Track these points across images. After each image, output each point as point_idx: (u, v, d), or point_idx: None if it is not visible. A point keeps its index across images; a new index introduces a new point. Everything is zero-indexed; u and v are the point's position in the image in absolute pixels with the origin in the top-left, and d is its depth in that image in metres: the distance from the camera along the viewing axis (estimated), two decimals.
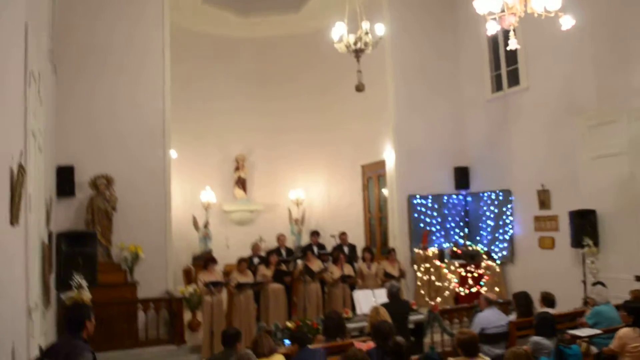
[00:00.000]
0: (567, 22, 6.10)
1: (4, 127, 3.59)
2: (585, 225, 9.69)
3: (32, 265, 5.36)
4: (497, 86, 12.31)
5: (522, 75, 11.50)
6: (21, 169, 4.39)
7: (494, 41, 12.28)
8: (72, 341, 4.10)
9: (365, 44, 7.83)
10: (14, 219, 4.16)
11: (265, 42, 15.04)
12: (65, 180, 10.14)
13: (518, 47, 6.18)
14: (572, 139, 10.31)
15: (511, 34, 6.05)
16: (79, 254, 6.96)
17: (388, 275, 10.25)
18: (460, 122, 13.10)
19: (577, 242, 9.71)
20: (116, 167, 10.49)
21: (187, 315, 10.39)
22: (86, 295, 6.37)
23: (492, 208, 12.23)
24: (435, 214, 12.62)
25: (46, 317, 6.94)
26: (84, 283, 6.45)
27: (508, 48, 6.20)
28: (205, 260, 10.10)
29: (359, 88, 8.25)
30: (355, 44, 7.85)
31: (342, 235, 11.78)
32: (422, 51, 12.93)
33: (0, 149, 3.43)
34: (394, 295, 7.87)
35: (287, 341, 6.79)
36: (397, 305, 7.67)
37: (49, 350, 4.16)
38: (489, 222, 12.32)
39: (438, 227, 12.63)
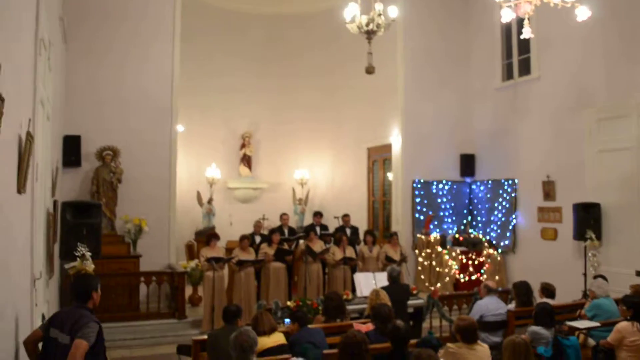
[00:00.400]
0: (583, 13, 6.03)
1: (14, 94, 3.57)
2: (588, 218, 9.68)
3: (37, 234, 5.39)
4: (508, 75, 12.21)
5: (534, 65, 11.40)
6: (29, 136, 4.39)
7: (506, 29, 12.16)
8: (78, 310, 4.15)
9: (378, 25, 7.72)
10: (21, 187, 4.17)
11: (275, 19, 14.89)
12: (71, 150, 10.18)
13: (532, 35, 6.12)
14: (580, 132, 10.25)
15: (526, 22, 5.98)
16: (84, 224, 6.95)
17: (389, 259, 10.26)
18: (469, 110, 13.03)
19: (579, 235, 9.69)
20: (123, 138, 10.50)
21: (188, 290, 10.45)
22: (90, 266, 6.38)
23: (496, 197, 12.21)
24: (439, 200, 12.61)
25: (49, 286, 6.99)
26: (88, 254, 6.46)
27: (522, 37, 6.14)
28: (207, 235, 10.13)
29: (369, 70, 8.15)
30: (367, 25, 7.74)
31: (345, 217, 11.79)
32: (433, 36, 12.82)
33: (10, 117, 3.42)
34: (394, 279, 7.90)
35: (287, 320, 6.82)
36: (397, 288, 7.69)
37: (55, 318, 4.19)
38: (492, 210, 12.31)
39: (441, 213, 12.63)
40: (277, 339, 5.41)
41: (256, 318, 5.49)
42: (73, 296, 4.31)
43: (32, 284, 5.05)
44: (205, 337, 5.75)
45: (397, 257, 10.46)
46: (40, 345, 4.19)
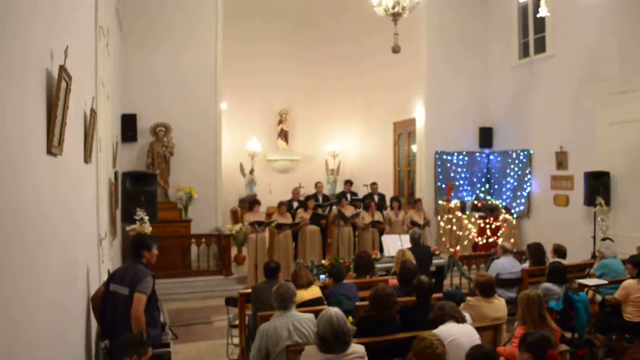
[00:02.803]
0: None
1: (78, 74, 3.64)
2: (598, 186, 9.50)
3: (101, 200, 5.53)
4: (524, 53, 11.89)
5: (549, 43, 11.06)
6: (93, 112, 4.49)
7: (523, 10, 11.83)
8: (134, 266, 4.36)
9: (403, 8, 7.59)
10: (87, 157, 4.28)
11: (309, 6, 14.70)
12: (128, 127, 10.36)
13: (548, 14, 5.96)
14: (592, 105, 9.99)
15: (542, 1, 5.82)
16: (142, 192, 7.11)
17: (414, 223, 10.25)
18: (488, 86, 12.78)
19: (590, 201, 9.53)
20: (173, 116, 10.64)
21: (233, 251, 10.63)
22: (147, 229, 6.56)
23: (512, 166, 12.03)
24: (459, 169, 12.49)
25: (113, 245, 7.19)
26: (146, 217, 6.63)
27: (538, 15, 6.02)
28: (250, 202, 10.26)
29: (395, 50, 8.04)
30: (393, 7, 7.61)
31: (373, 185, 11.78)
32: (455, 16, 12.53)
33: (76, 94, 3.50)
34: (415, 240, 7.90)
35: (322, 276, 6.90)
36: (419, 249, 7.71)
37: (113, 275, 4.40)
38: (508, 179, 12.14)
39: (461, 181, 12.51)
40: (314, 292, 5.46)
41: (295, 273, 5.53)
42: (130, 253, 4.53)
43: (99, 243, 5.21)
44: (250, 290, 5.86)
45: (421, 221, 10.44)
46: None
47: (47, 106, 2.72)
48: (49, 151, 2.74)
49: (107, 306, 4.27)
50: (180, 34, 10.85)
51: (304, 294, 5.29)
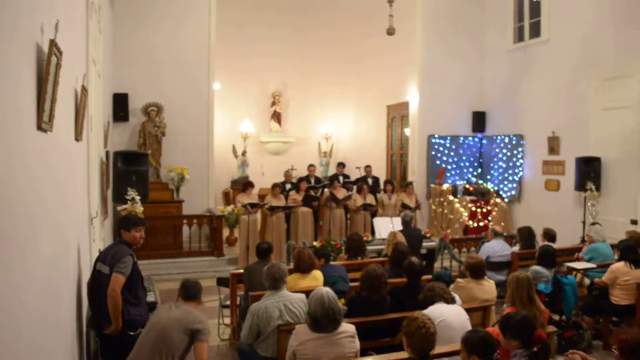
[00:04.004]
0: None
1: (69, 51, 3.59)
2: (589, 171, 9.54)
3: (92, 178, 5.50)
4: (519, 37, 11.85)
5: (544, 28, 11.03)
6: (84, 90, 4.44)
7: None
8: (116, 245, 4.45)
9: None
10: (78, 135, 4.24)
11: None
12: (120, 106, 10.28)
13: None
14: (585, 91, 9.99)
15: None
16: (133, 171, 7.06)
17: (405, 206, 10.29)
18: (482, 70, 12.75)
19: (580, 186, 9.58)
20: (166, 96, 10.56)
21: (225, 232, 10.62)
22: (139, 208, 6.53)
23: (504, 151, 12.06)
24: (451, 153, 12.51)
25: (104, 225, 7.17)
26: (137, 197, 6.60)
27: None
28: (244, 184, 10.26)
29: (390, 32, 8.02)
30: None
31: (367, 167, 11.81)
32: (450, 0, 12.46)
33: (67, 70, 3.45)
34: (407, 223, 7.96)
35: None
36: (410, 232, 7.75)
37: (99, 254, 4.49)
38: (500, 163, 12.18)
39: (453, 165, 12.54)
40: (311, 282, 5.19)
41: (299, 254, 5.30)
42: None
43: (90, 222, 5.19)
44: (242, 271, 5.86)
45: (412, 204, 10.48)
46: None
47: (37, 81, 2.68)
48: (39, 127, 2.70)
49: (94, 284, 4.31)
50: (173, 13, 10.72)
51: (300, 282, 5.15)
